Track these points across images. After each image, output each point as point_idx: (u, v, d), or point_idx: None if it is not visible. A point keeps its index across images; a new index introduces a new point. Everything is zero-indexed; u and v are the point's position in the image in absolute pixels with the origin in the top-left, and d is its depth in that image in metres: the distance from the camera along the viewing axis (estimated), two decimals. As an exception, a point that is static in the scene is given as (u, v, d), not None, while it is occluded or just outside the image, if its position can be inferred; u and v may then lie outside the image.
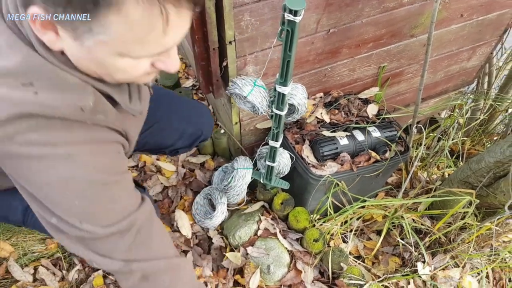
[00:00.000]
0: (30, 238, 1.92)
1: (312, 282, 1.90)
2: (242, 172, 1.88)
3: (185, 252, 1.97)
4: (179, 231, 2.01)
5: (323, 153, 1.82)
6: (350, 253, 2.02)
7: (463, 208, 1.76)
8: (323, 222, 2.03)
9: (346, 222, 2.02)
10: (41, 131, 0.81)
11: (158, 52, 0.80)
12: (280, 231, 2.00)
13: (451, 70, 2.39)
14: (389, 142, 1.90)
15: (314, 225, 2.01)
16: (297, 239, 2.02)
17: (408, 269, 1.97)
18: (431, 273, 1.95)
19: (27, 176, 0.87)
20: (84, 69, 0.84)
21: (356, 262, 2.00)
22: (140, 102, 1.05)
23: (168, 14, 0.71)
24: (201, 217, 2.00)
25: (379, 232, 2.15)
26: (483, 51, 2.34)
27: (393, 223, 1.98)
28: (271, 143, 1.65)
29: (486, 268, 1.99)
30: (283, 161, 1.85)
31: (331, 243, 2.03)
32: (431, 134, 2.39)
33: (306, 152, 1.86)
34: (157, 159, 2.30)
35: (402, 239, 2.00)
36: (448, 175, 2.24)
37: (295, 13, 1.07)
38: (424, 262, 1.95)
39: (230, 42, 1.45)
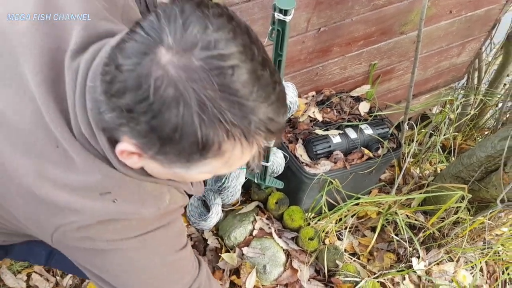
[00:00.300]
0: (24, 244, 1.90)
1: (308, 280, 1.90)
2: (236, 173, 1.88)
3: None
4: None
5: (317, 152, 1.82)
6: (345, 250, 2.03)
7: (456, 203, 1.77)
8: (318, 221, 2.03)
9: (340, 219, 2.02)
10: (120, 231, 0.83)
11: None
12: (275, 231, 2.00)
13: (441, 66, 2.41)
14: (381, 139, 1.91)
15: (309, 224, 2.02)
16: (292, 238, 2.02)
17: (403, 264, 1.98)
18: (426, 268, 1.96)
19: (100, 266, 0.88)
20: (159, 177, 0.84)
21: (351, 259, 2.01)
22: (200, 183, 1.07)
23: (260, 147, 0.71)
24: (195, 218, 2.00)
25: (373, 229, 2.15)
26: (472, 47, 2.36)
27: (387, 219, 1.99)
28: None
29: (480, 262, 2.01)
30: (277, 161, 1.85)
31: (326, 241, 2.04)
32: (422, 130, 2.40)
33: (300, 151, 1.86)
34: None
35: (396, 235, 2.00)
36: (441, 170, 2.25)
37: (285, 13, 1.07)
38: (418, 257, 1.96)
39: (221, 43, 1.45)
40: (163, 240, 0.92)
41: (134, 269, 0.90)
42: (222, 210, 2.01)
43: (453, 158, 2.39)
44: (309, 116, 1.97)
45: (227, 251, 1.97)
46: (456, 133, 2.52)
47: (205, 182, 2.15)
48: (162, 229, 0.91)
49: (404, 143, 2.05)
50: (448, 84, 2.66)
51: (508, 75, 2.56)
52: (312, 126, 1.94)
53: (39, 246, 1.13)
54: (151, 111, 0.60)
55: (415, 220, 1.97)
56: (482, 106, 2.63)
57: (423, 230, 1.97)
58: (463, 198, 1.74)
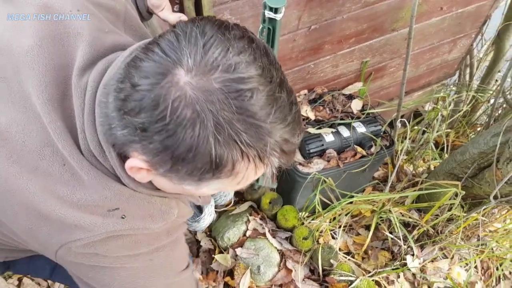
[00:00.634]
0: (15, 248, 1.88)
1: (303, 280, 1.90)
2: (229, 173, 1.87)
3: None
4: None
5: (309, 151, 1.81)
6: (339, 249, 2.03)
7: (449, 199, 1.77)
8: (312, 220, 2.03)
9: (334, 218, 2.02)
10: (127, 247, 0.82)
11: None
12: (269, 231, 1.99)
13: (433, 63, 2.41)
14: (374, 137, 1.91)
15: (303, 223, 2.01)
16: (286, 238, 2.01)
17: (398, 262, 1.98)
18: (421, 266, 1.96)
19: (101, 281, 0.87)
20: (165, 190, 0.84)
21: (346, 258, 2.01)
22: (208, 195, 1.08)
23: (271, 166, 0.70)
24: (188, 220, 1.99)
25: (367, 227, 2.15)
26: (463, 43, 2.36)
27: (381, 217, 1.98)
28: (257, 142, 1.64)
29: (475, 260, 2.01)
30: (270, 160, 1.84)
31: (321, 240, 2.03)
32: (415, 127, 2.40)
33: (292, 150, 1.85)
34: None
35: (390, 233, 2.00)
36: (434, 167, 2.26)
37: (275, 11, 1.06)
38: (413, 255, 1.96)
39: (211, 42, 1.43)
40: (169, 260, 0.92)
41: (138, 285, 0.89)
42: (215, 211, 2.00)
43: (446, 155, 2.39)
44: (301, 114, 1.97)
45: (221, 252, 1.96)
46: (449, 130, 2.52)
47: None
48: (169, 247, 0.91)
49: (397, 141, 2.04)
50: (440, 81, 2.66)
51: (499, 71, 2.56)
52: (304, 125, 1.93)
53: (42, 260, 1.12)
54: (166, 131, 0.60)
55: (409, 217, 1.97)
56: (474, 102, 2.63)
57: (417, 228, 1.97)
58: (456, 195, 1.74)
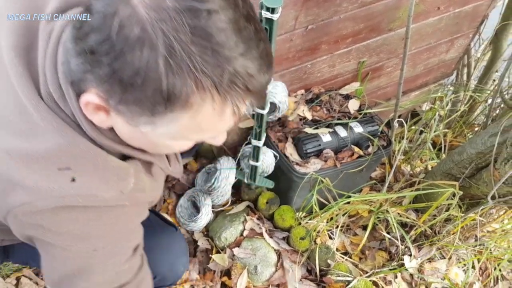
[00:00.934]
0: (11, 249, 1.88)
1: (300, 280, 1.90)
2: (226, 173, 1.87)
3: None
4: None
5: (307, 151, 1.81)
6: (337, 249, 2.02)
7: (447, 200, 1.77)
8: (309, 220, 2.03)
9: (331, 218, 2.02)
10: (74, 225, 0.79)
11: (215, 135, 0.79)
12: (266, 231, 1.99)
13: (431, 63, 2.41)
14: (371, 137, 1.91)
15: (300, 223, 2.01)
16: (283, 238, 2.01)
17: (395, 263, 1.98)
18: (418, 266, 1.96)
19: (48, 252, 0.85)
20: (133, 145, 0.81)
21: (343, 258, 2.00)
22: (179, 163, 1.04)
23: (239, 112, 0.68)
24: (185, 220, 1.98)
25: (365, 227, 2.15)
26: (461, 43, 2.36)
27: (378, 217, 1.98)
28: (254, 142, 1.64)
29: (472, 260, 2.01)
30: (267, 160, 1.84)
31: (318, 240, 2.03)
32: (413, 127, 2.40)
33: (290, 150, 1.85)
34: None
35: (388, 233, 2.00)
36: (431, 167, 2.26)
37: (272, 11, 1.06)
38: (410, 255, 1.96)
39: (208, 42, 1.43)
40: (117, 249, 0.89)
41: (80, 268, 0.86)
42: (212, 211, 2.00)
43: (443, 155, 2.39)
44: (298, 114, 1.96)
45: (218, 252, 1.96)
46: (446, 130, 2.52)
47: (193, 183, 2.14)
48: (122, 236, 0.89)
49: (395, 141, 2.04)
50: (438, 81, 2.66)
51: (497, 71, 2.56)
52: (301, 125, 1.93)
53: None
54: (113, 52, 0.57)
55: (407, 218, 1.97)
56: (472, 102, 2.63)
57: (414, 228, 1.97)
58: (454, 195, 1.74)
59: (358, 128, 1.91)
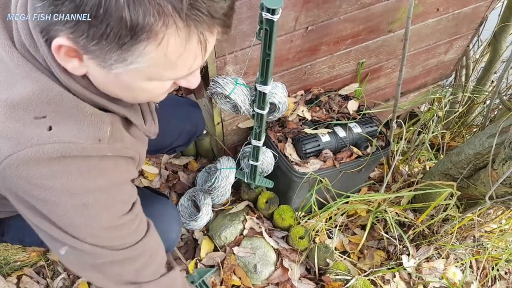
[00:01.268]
0: (12, 247, 1.89)
1: (299, 279, 1.91)
2: (226, 172, 1.87)
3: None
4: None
5: (306, 151, 1.82)
6: (335, 248, 2.03)
7: (445, 200, 1.78)
8: (308, 219, 2.04)
9: (330, 218, 2.03)
10: (57, 179, 0.80)
11: (187, 74, 0.80)
12: (265, 230, 2.00)
13: (429, 64, 2.42)
14: (370, 138, 1.91)
15: (299, 223, 2.02)
16: (282, 237, 2.02)
17: (393, 262, 1.99)
18: (416, 265, 1.97)
19: (41, 210, 0.86)
20: (105, 92, 0.83)
21: (341, 257, 2.01)
22: (154, 124, 1.06)
23: (206, 41, 0.70)
24: (185, 219, 1.99)
25: (363, 227, 2.16)
26: (459, 44, 2.37)
27: (377, 217, 1.99)
28: (254, 142, 1.65)
29: (470, 260, 2.02)
30: (267, 160, 1.85)
31: (317, 240, 2.04)
32: (411, 128, 2.41)
33: (289, 150, 1.86)
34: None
35: (386, 232, 2.01)
36: (429, 168, 2.26)
37: (272, 12, 1.07)
38: (408, 254, 1.97)
39: (208, 42, 1.44)
40: (108, 206, 0.90)
41: (72, 221, 0.87)
42: (212, 210, 2.01)
43: (441, 156, 2.40)
44: (298, 115, 1.98)
45: (218, 251, 1.97)
46: (445, 131, 2.53)
47: (194, 183, 2.15)
48: (110, 192, 0.90)
49: (393, 141, 2.05)
50: (436, 82, 2.67)
51: (495, 72, 2.58)
52: (301, 125, 1.94)
53: None
54: None
55: (405, 217, 1.98)
56: (470, 103, 2.64)
57: (412, 228, 1.98)
58: (452, 195, 1.75)
59: (357, 129, 1.92)
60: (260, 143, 1.65)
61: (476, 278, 2.03)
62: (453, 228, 1.90)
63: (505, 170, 1.52)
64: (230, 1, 0.70)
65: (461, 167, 1.82)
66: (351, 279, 1.85)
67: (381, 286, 1.90)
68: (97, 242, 0.92)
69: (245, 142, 1.92)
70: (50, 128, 0.77)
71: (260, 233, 2.00)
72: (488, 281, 2.05)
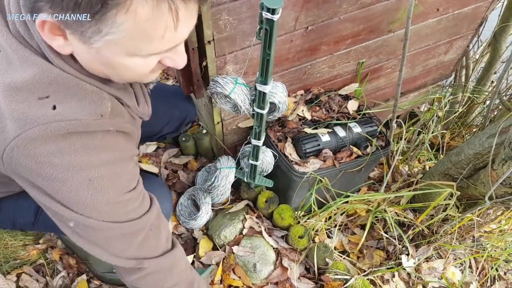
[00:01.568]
0: (12, 245, 1.89)
1: (299, 278, 1.91)
2: (225, 172, 1.88)
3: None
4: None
5: (306, 150, 1.82)
6: (335, 248, 2.04)
7: (444, 200, 1.78)
8: (308, 219, 2.04)
9: (330, 217, 2.03)
10: (64, 156, 0.83)
11: (167, 49, 0.81)
12: (265, 229, 2.01)
13: (429, 64, 2.42)
14: (370, 137, 1.92)
15: (298, 222, 2.02)
16: (282, 237, 2.02)
17: (393, 262, 1.99)
18: (415, 265, 1.97)
19: (47, 189, 0.88)
20: (94, 72, 0.85)
21: (341, 257, 2.02)
22: (147, 106, 1.08)
23: (177, 10, 0.71)
24: (185, 218, 2.00)
25: (363, 227, 2.16)
26: (459, 45, 2.37)
27: (376, 217, 1.99)
28: (254, 141, 1.66)
29: (469, 259, 2.02)
30: (266, 160, 1.85)
31: (316, 239, 2.04)
32: (411, 128, 2.41)
33: (289, 150, 1.87)
34: (139, 161, 2.29)
35: (385, 232, 2.01)
36: (429, 168, 2.27)
37: (273, 12, 1.07)
38: (408, 254, 1.98)
39: (208, 42, 1.44)
40: (113, 181, 0.92)
41: (78, 199, 0.89)
42: (212, 209, 2.01)
43: (441, 156, 2.41)
44: (298, 114, 1.98)
45: (217, 250, 1.97)
46: (444, 131, 2.53)
47: (194, 182, 2.15)
48: (116, 168, 0.92)
49: (393, 141, 2.05)
50: (436, 82, 2.67)
51: (495, 73, 2.58)
52: (301, 125, 1.94)
53: (27, 200, 1.13)
54: None
55: (404, 217, 1.98)
56: (470, 103, 2.64)
57: (412, 228, 1.98)
58: (451, 195, 1.75)
59: (356, 129, 1.92)
60: (260, 143, 1.66)
61: (475, 279, 2.03)
62: (452, 228, 1.90)
63: (505, 170, 1.52)
64: None
65: (461, 167, 1.82)
66: (351, 278, 1.85)
67: (380, 286, 1.90)
68: (102, 217, 0.93)
69: (245, 142, 1.92)
70: (54, 107, 0.80)
71: (260, 233, 2.00)
72: (487, 281, 2.05)
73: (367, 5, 1.71)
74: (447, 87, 2.80)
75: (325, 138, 1.87)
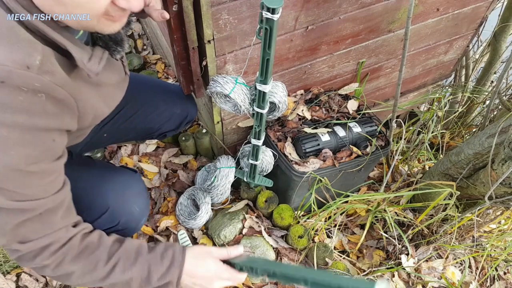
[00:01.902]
0: (12, 245, 1.88)
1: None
2: (225, 171, 1.88)
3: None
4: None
5: (305, 150, 1.82)
6: (334, 248, 2.04)
7: (444, 200, 1.78)
8: (307, 219, 2.04)
9: (330, 217, 2.03)
10: None
11: None
12: (265, 229, 2.01)
13: (429, 64, 2.42)
14: (369, 137, 1.92)
15: (298, 222, 2.02)
16: (282, 236, 2.02)
17: (392, 262, 1.99)
18: (415, 265, 1.97)
19: None
20: (45, 10, 0.81)
21: (340, 256, 2.02)
22: (99, 64, 0.97)
23: None
24: (185, 217, 2.00)
25: (362, 226, 2.16)
26: (459, 45, 2.37)
27: (376, 217, 1.99)
28: (254, 141, 1.66)
29: (469, 259, 2.02)
30: (266, 159, 1.85)
31: (316, 239, 2.04)
32: (411, 128, 2.42)
33: (289, 149, 1.87)
34: (139, 161, 2.29)
35: (385, 232, 2.01)
36: (429, 167, 2.27)
37: (273, 11, 1.07)
38: (407, 254, 1.97)
39: (209, 41, 1.44)
40: (21, 148, 0.86)
41: None
42: (212, 209, 2.01)
43: (441, 156, 2.41)
44: (297, 114, 1.98)
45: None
46: (444, 131, 2.54)
47: (193, 181, 2.15)
48: (26, 135, 0.86)
49: (393, 141, 2.06)
50: (436, 82, 2.68)
51: (495, 73, 2.58)
52: (300, 125, 1.94)
53: None
54: None
55: (404, 217, 1.98)
56: (470, 103, 2.65)
57: (412, 227, 1.98)
58: (451, 195, 1.75)
59: (356, 128, 1.92)
60: (260, 142, 1.66)
61: (475, 278, 2.03)
62: (452, 228, 1.90)
63: (505, 170, 1.52)
64: None
65: (461, 167, 1.82)
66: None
67: (380, 285, 1.90)
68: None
69: (245, 141, 1.93)
70: None
71: (260, 232, 2.00)
72: (486, 281, 2.05)
73: (367, 5, 1.71)
74: (447, 87, 2.80)
75: (325, 137, 1.87)
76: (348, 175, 1.94)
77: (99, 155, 2.23)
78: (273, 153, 1.87)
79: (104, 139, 1.65)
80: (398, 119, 1.92)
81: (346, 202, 1.93)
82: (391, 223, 1.86)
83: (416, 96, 2.69)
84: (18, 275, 1.85)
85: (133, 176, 1.47)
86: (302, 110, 1.98)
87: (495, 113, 2.35)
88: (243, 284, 1.87)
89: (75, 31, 0.94)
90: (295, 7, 1.53)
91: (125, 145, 2.35)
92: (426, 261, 2.01)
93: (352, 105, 2.05)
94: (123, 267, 1.11)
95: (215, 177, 1.89)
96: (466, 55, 2.56)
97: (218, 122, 1.92)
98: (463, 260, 2.04)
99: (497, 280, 2.07)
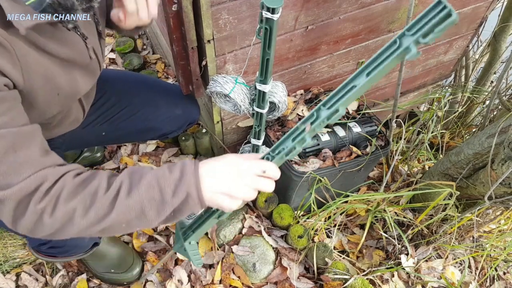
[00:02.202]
0: (11, 244, 1.89)
1: (298, 278, 1.91)
2: (225, 171, 1.87)
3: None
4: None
5: (305, 150, 1.82)
6: (334, 248, 2.04)
7: (444, 200, 1.78)
8: (307, 218, 2.04)
9: (329, 217, 2.03)
10: None
11: None
12: (264, 229, 2.01)
13: (429, 64, 2.42)
14: (369, 137, 1.92)
15: (298, 222, 2.02)
16: (281, 236, 2.02)
17: (392, 262, 1.99)
18: (415, 265, 1.97)
19: None
20: None
21: (340, 256, 2.02)
22: (30, 19, 0.90)
23: None
24: (185, 217, 1.99)
25: (362, 226, 2.16)
26: (459, 45, 2.37)
27: (376, 217, 1.99)
28: (253, 141, 1.65)
29: (469, 259, 2.02)
30: (266, 159, 1.85)
31: (316, 239, 2.04)
32: (410, 128, 2.42)
33: (288, 149, 1.86)
34: (139, 160, 2.29)
35: (385, 232, 2.01)
36: (429, 167, 2.27)
37: (273, 11, 1.07)
38: (407, 254, 1.98)
39: (208, 41, 1.44)
40: None
41: None
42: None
43: (441, 156, 2.41)
44: (297, 114, 1.98)
45: (217, 249, 1.97)
46: (444, 131, 2.54)
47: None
48: None
49: (392, 141, 2.05)
50: (436, 82, 2.68)
51: (495, 73, 2.58)
52: (300, 124, 1.94)
53: None
54: None
55: (404, 217, 1.98)
56: (470, 103, 2.65)
57: (411, 227, 1.98)
58: (451, 195, 1.75)
59: (356, 128, 1.93)
60: (260, 142, 1.65)
61: (475, 278, 2.03)
62: (452, 228, 1.90)
63: (504, 170, 1.52)
64: None
65: (461, 167, 1.82)
66: (350, 278, 1.85)
67: (379, 285, 1.90)
68: None
69: (245, 141, 1.92)
70: None
71: (259, 232, 2.00)
72: (486, 281, 2.05)
73: (367, 5, 1.71)
74: (447, 87, 2.80)
75: (325, 137, 1.87)
76: (348, 175, 1.94)
77: (98, 154, 2.23)
78: (273, 153, 1.87)
79: (103, 138, 1.65)
80: (398, 119, 1.92)
81: (346, 202, 1.93)
82: (390, 223, 1.86)
83: (416, 96, 2.69)
84: (18, 275, 1.85)
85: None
86: (302, 110, 1.98)
87: (495, 113, 2.35)
88: (243, 284, 1.87)
89: None
90: (295, 7, 1.53)
91: (125, 145, 2.35)
92: (426, 261, 2.01)
93: (352, 105, 2.05)
94: (127, 188, 0.96)
95: (215, 177, 1.88)
96: (466, 55, 2.56)
97: (218, 122, 1.92)
98: (463, 260, 2.04)
99: (496, 280, 2.07)
